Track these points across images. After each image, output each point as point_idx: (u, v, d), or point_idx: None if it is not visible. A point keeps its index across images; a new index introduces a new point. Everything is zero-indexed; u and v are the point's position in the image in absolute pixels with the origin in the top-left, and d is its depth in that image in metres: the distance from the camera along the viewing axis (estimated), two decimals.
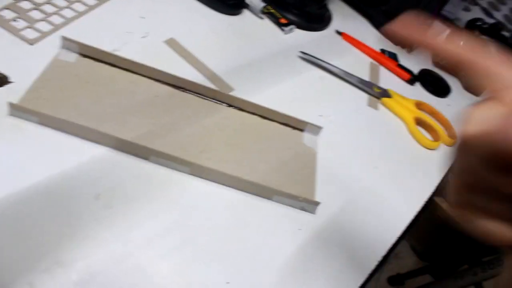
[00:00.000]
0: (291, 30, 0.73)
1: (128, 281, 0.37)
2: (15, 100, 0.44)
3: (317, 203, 0.47)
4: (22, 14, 0.52)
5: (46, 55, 0.50)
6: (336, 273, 0.43)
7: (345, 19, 0.84)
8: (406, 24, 0.26)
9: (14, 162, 0.40)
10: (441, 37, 0.26)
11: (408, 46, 0.27)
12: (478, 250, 1.16)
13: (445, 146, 0.66)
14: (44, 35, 0.52)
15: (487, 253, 1.11)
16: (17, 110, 0.43)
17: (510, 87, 0.23)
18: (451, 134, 0.68)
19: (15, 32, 0.50)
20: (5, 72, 0.46)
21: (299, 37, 0.73)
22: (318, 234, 0.47)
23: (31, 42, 0.50)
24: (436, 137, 0.66)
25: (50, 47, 0.51)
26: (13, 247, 0.35)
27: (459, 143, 0.23)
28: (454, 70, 0.24)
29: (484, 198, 0.24)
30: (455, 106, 0.76)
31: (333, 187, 0.52)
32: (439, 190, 0.59)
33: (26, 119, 0.43)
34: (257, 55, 0.65)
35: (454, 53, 0.25)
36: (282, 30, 0.72)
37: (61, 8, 0.55)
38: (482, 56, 0.25)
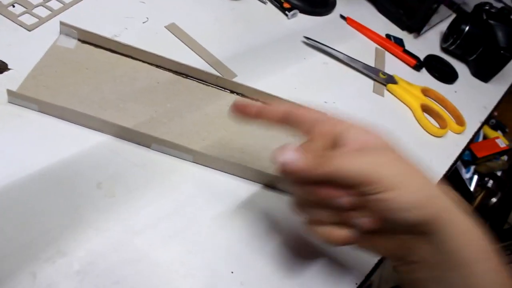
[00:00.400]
0: (294, 15, 0.71)
1: (130, 269, 0.36)
2: (14, 87, 0.43)
3: None
4: None
5: (44, 41, 0.49)
6: (342, 262, 0.43)
7: (350, 3, 0.82)
8: (241, 105, 0.38)
9: (13, 151, 0.40)
10: (262, 106, 0.37)
11: (246, 118, 0.38)
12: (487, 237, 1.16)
13: (452, 133, 0.65)
14: (42, 20, 0.50)
15: (497, 240, 1.11)
16: (16, 97, 0.42)
17: (317, 124, 0.35)
18: (459, 121, 0.67)
19: (13, 18, 0.49)
20: (4, 59, 0.45)
21: (303, 22, 0.72)
22: None
23: (30, 28, 0.49)
24: (443, 124, 0.65)
25: (49, 33, 0.50)
26: (15, 237, 0.35)
27: (283, 174, 0.33)
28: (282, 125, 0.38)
29: (314, 209, 0.34)
30: (462, 92, 0.75)
31: None
32: (447, 178, 0.58)
33: (25, 107, 0.43)
34: (260, 41, 0.64)
35: (277, 112, 0.36)
36: (286, 14, 0.70)
37: None
38: (296, 108, 0.36)
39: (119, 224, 0.38)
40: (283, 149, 0.32)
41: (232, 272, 0.39)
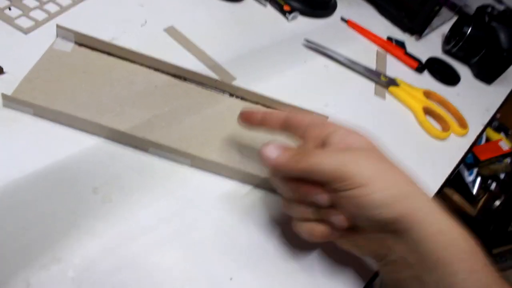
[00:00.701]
0: (294, 17, 0.71)
1: (126, 276, 0.35)
2: (9, 91, 0.43)
3: None
4: (16, 2, 0.50)
5: (41, 45, 0.48)
6: (343, 269, 0.42)
7: (351, 5, 0.81)
8: (247, 113, 0.41)
9: (7, 156, 0.39)
10: (265, 113, 0.40)
11: (252, 125, 0.41)
12: (488, 242, 1.14)
13: (455, 136, 0.64)
14: (39, 24, 0.50)
15: (497, 245, 1.09)
16: (10, 101, 0.41)
17: (310, 127, 0.37)
18: (461, 124, 0.66)
19: (9, 21, 0.49)
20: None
21: (304, 25, 0.71)
22: None
23: (26, 31, 0.49)
24: (445, 127, 0.64)
25: (45, 36, 0.49)
26: (8, 243, 0.34)
27: (268, 169, 0.37)
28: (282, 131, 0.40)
29: (297, 206, 0.36)
30: (464, 95, 0.74)
31: None
32: (450, 182, 0.57)
33: (21, 111, 0.42)
34: (260, 43, 0.63)
35: (278, 118, 0.39)
36: (286, 17, 0.70)
37: None
38: (295, 113, 0.39)
39: (116, 229, 0.38)
40: (267, 144, 0.35)
41: (231, 279, 0.38)
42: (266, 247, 0.41)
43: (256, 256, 0.40)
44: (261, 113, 0.40)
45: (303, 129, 0.38)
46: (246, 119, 0.41)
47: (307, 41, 0.66)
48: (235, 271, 0.39)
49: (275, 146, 0.35)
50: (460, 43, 0.76)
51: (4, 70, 0.44)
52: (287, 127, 0.39)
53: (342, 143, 0.35)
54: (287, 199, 0.37)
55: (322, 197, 0.33)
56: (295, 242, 0.42)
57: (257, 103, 0.53)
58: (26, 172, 0.38)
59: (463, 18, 0.77)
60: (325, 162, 0.32)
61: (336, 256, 0.42)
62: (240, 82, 0.55)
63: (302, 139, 0.38)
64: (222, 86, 0.53)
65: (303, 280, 0.40)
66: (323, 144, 0.36)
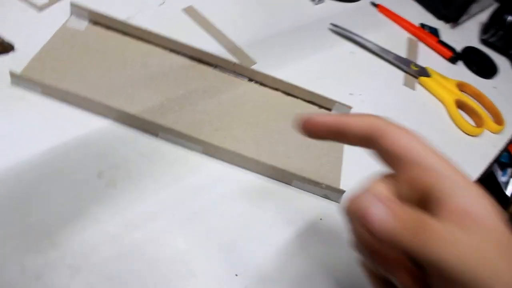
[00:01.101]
0: (321, 1, 0.67)
1: (125, 266, 0.34)
2: (19, 69, 0.41)
3: (342, 192, 0.43)
4: None
5: (54, 23, 0.47)
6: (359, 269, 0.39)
7: None
8: (313, 123, 0.29)
9: (13, 135, 0.38)
10: (339, 123, 0.28)
11: (321, 137, 0.29)
12: None
13: (489, 132, 0.60)
14: (53, 1, 0.48)
15: None
16: (18, 79, 0.40)
17: (410, 164, 0.26)
18: (497, 120, 0.62)
19: None
20: (11, 39, 0.44)
21: (331, 8, 0.67)
22: (341, 226, 0.42)
23: (39, 8, 0.47)
24: (479, 122, 0.60)
25: (59, 14, 0.47)
26: (5, 224, 0.33)
27: (345, 214, 0.25)
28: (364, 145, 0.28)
29: (373, 263, 0.28)
30: (502, 88, 0.69)
31: (361, 174, 0.47)
32: (481, 182, 0.53)
33: (29, 89, 0.41)
34: (284, 27, 0.60)
35: (364, 124, 0.27)
36: (312, 0, 0.66)
37: None
38: (385, 128, 0.27)
39: (118, 216, 0.36)
40: (371, 193, 0.23)
41: (236, 275, 0.36)
42: (276, 243, 0.39)
43: (264, 252, 0.38)
44: (332, 122, 0.29)
45: (396, 159, 0.27)
46: (311, 129, 0.30)
47: (334, 25, 0.63)
48: (241, 267, 0.36)
49: (381, 202, 0.22)
50: (500, 32, 0.71)
51: (15, 47, 0.43)
52: (371, 146, 0.28)
53: (459, 210, 0.24)
54: (360, 247, 0.29)
55: (405, 282, 0.25)
56: (308, 239, 0.40)
57: (277, 89, 0.51)
58: (31, 152, 0.37)
59: (505, 5, 0.72)
60: (456, 256, 0.22)
61: (353, 256, 0.40)
62: (261, 66, 0.52)
63: (392, 169, 0.28)
64: (240, 70, 0.50)
65: (312, 280, 0.38)
66: (424, 196, 0.26)
